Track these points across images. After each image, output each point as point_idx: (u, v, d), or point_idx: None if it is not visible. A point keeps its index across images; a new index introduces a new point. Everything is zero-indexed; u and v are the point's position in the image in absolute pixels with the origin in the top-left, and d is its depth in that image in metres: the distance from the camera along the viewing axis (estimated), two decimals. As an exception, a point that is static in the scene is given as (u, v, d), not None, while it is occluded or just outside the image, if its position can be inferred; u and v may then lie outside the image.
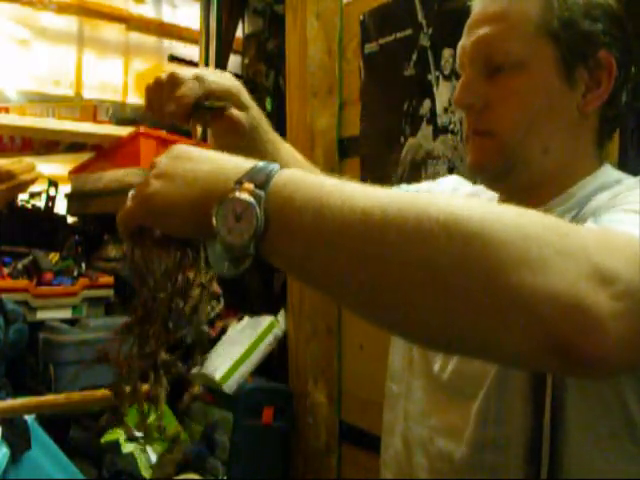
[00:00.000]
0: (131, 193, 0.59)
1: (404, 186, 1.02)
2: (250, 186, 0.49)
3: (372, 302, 0.48)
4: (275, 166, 0.51)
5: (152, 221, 0.57)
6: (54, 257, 1.80)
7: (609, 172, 0.78)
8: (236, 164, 0.53)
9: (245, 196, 0.49)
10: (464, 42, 0.79)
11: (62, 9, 2.38)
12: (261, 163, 0.52)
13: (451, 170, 1.54)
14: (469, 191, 0.93)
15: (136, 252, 0.59)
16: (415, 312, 0.46)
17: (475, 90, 0.76)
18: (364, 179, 1.81)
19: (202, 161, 0.55)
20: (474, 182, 0.93)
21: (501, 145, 0.75)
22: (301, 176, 0.51)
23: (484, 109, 0.76)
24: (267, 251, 0.50)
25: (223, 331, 1.93)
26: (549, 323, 0.42)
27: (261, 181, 0.50)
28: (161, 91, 0.79)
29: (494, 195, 0.90)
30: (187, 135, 2.38)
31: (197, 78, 0.79)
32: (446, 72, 1.52)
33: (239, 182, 0.50)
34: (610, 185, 0.74)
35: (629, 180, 0.75)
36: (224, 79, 0.85)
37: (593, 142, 0.77)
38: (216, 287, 0.60)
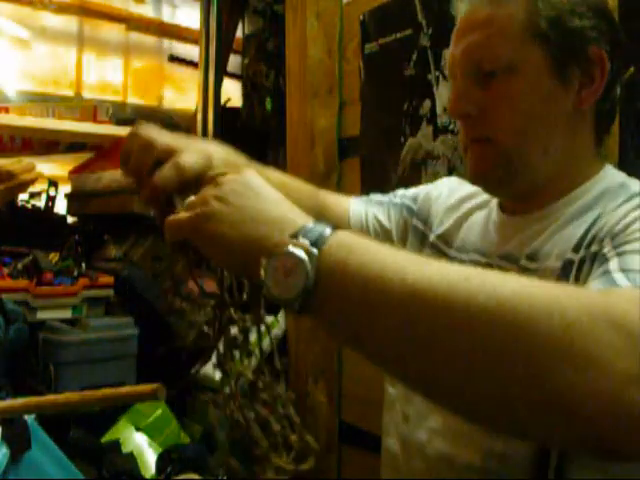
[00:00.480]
0: (190, 200, 0.58)
1: (400, 191, 1.02)
2: (305, 243, 0.49)
3: (412, 377, 0.48)
4: (331, 226, 0.51)
5: (199, 242, 0.56)
6: (54, 257, 1.80)
7: (611, 174, 0.78)
8: (295, 217, 0.54)
9: (298, 252, 0.49)
10: (453, 50, 0.78)
11: (62, 9, 2.38)
12: (317, 222, 0.52)
13: (451, 170, 1.54)
14: (468, 192, 0.93)
15: (175, 260, 0.59)
16: (454, 394, 0.46)
17: (469, 98, 0.76)
18: (364, 179, 1.81)
19: (267, 202, 0.55)
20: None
21: (501, 151, 0.75)
22: (355, 240, 0.50)
23: (480, 116, 0.75)
24: (312, 310, 0.50)
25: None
26: (591, 420, 0.42)
27: (315, 239, 0.50)
28: (136, 157, 0.69)
29: (488, 197, 0.90)
30: (187, 135, 2.38)
31: (175, 166, 0.64)
32: (446, 72, 1.52)
33: (294, 236, 0.50)
34: (615, 190, 0.73)
35: (634, 185, 0.74)
36: (203, 158, 0.66)
37: (591, 139, 0.77)
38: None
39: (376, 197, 1.02)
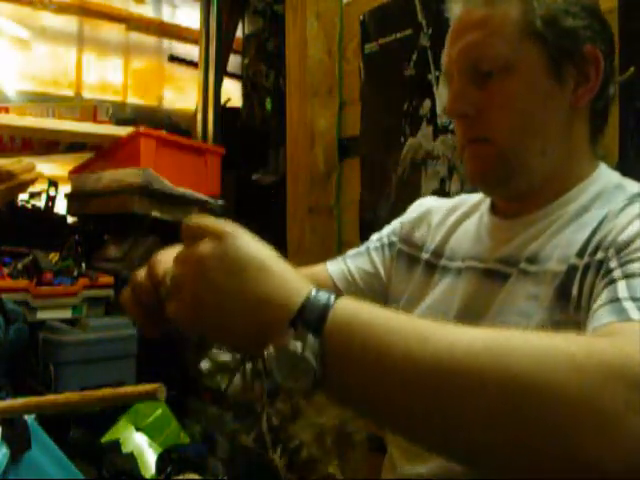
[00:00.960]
0: (173, 278, 0.52)
1: (375, 236, 0.99)
2: (305, 333, 0.47)
3: (426, 444, 0.49)
4: (330, 300, 0.48)
5: (205, 333, 0.52)
6: (54, 257, 1.80)
7: (606, 174, 0.78)
8: (290, 293, 0.49)
9: (299, 347, 0.46)
10: (450, 51, 0.78)
11: (62, 9, 2.38)
12: (314, 294, 0.49)
13: (451, 170, 1.54)
14: (450, 205, 0.93)
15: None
16: (471, 462, 0.47)
17: (467, 98, 0.76)
18: (364, 179, 1.81)
19: (255, 279, 0.49)
20: (473, 189, 0.92)
21: (499, 151, 0.75)
22: (357, 312, 0.48)
23: (478, 116, 0.75)
24: (325, 393, 0.49)
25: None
26: (607, 475, 0.42)
27: (315, 323, 0.47)
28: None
29: (477, 200, 0.90)
30: (187, 135, 2.39)
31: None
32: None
33: (294, 322, 0.47)
34: (611, 191, 0.74)
35: (630, 186, 0.75)
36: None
37: (586, 138, 0.77)
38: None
39: (351, 252, 1.00)
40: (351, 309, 0.49)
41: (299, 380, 0.47)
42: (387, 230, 0.99)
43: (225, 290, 0.49)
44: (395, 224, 0.99)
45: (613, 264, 0.62)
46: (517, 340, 0.46)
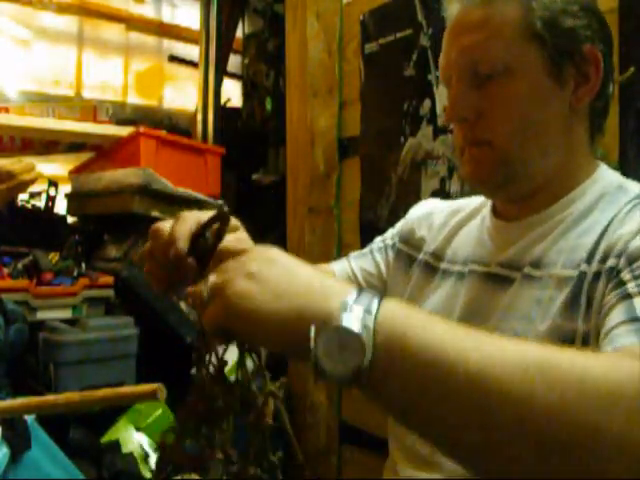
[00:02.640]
0: (212, 281, 0.51)
1: (378, 238, 1.00)
2: (359, 312, 0.45)
3: (462, 457, 0.47)
4: (377, 294, 0.48)
5: (236, 327, 0.50)
6: (54, 257, 1.80)
7: (607, 175, 0.77)
8: (336, 285, 0.49)
9: (353, 325, 0.45)
10: (448, 53, 0.77)
11: (62, 9, 2.38)
12: (362, 290, 0.48)
13: (451, 170, 1.54)
14: (453, 208, 0.93)
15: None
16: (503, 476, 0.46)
17: (467, 102, 0.75)
18: (364, 179, 1.81)
19: (296, 271, 0.50)
20: (473, 192, 0.92)
21: (501, 154, 0.74)
22: (407, 312, 0.47)
23: (479, 119, 0.75)
24: (364, 385, 0.46)
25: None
26: None
27: (367, 310, 0.46)
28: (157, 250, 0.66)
29: (479, 203, 0.90)
30: (187, 135, 2.39)
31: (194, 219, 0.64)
32: (446, 72, 1.52)
33: (344, 307, 0.46)
34: (613, 192, 0.73)
35: (632, 186, 0.74)
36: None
37: (586, 139, 0.77)
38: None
39: (354, 253, 1.01)
40: (401, 305, 0.48)
41: (346, 363, 0.45)
42: (390, 232, 0.99)
43: (270, 279, 0.49)
44: (397, 226, 0.99)
45: (626, 276, 0.61)
46: (567, 365, 0.45)
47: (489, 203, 0.86)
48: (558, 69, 0.73)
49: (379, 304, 0.47)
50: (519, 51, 0.73)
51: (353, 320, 0.45)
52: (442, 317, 0.49)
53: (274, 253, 0.52)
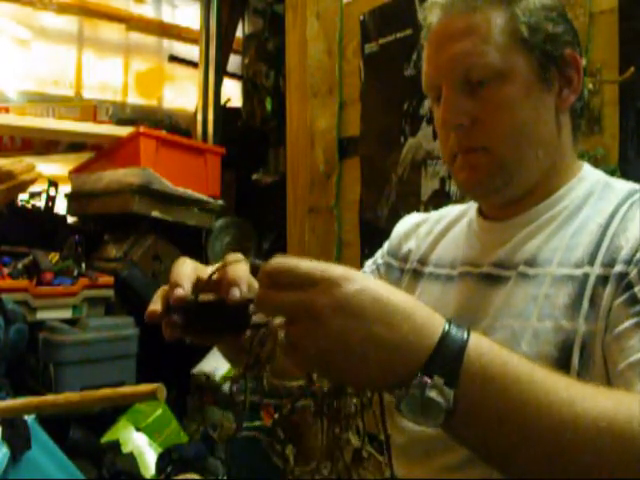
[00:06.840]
0: (286, 330, 0.49)
1: (369, 261, 0.99)
2: (439, 383, 0.47)
3: None
4: (463, 338, 0.49)
5: (332, 378, 0.52)
6: (54, 257, 1.80)
7: (592, 173, 0.79)
8: (419, 336, 0.48)
9: (433, 395, 0.47)
10: (435, 62, 0.78)
11: (62, 9, 2.38)
12: (446, 335, 0.49)
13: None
14: (437, 216, 0.93)
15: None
16: None
17: (461, 109, 0.75)
18: (364, 179, 1.81)
19: (383, 324, 0.48)
20: (464, 197, 0.92)
21: (498, 158, 0.75)
22: (492, 358, 0.49)
23: (473, 126, 0.75)
24: (451, 432, 0.50)
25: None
26: None
27: (449, 368, 0.48)
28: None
29: (463, 208, 0.90)
30: (187, 135, 2.39)
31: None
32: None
33: (428, 367, 0.48)
34: (601, 190, 0.75)
35: (618, 185, 0.76)
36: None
37: (570, 139, 0.79)
38: None
39: None
40: (486, 351, 0.49)
41: (428, 420, 0.49)
42: (379, 252, 0.99)
43: (352, 340, 0.47)
44: (385, 245, 0.99)
45: (638, 288, 0.63)
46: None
47: (474, 206, 0.87)
48: (545, 73, 0.75)
49: (463, 356, 0.48)
50: (509, 56, 0.74)
51: (434, 390, 0.48)
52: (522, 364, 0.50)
53: (347, 298, 0.48)
